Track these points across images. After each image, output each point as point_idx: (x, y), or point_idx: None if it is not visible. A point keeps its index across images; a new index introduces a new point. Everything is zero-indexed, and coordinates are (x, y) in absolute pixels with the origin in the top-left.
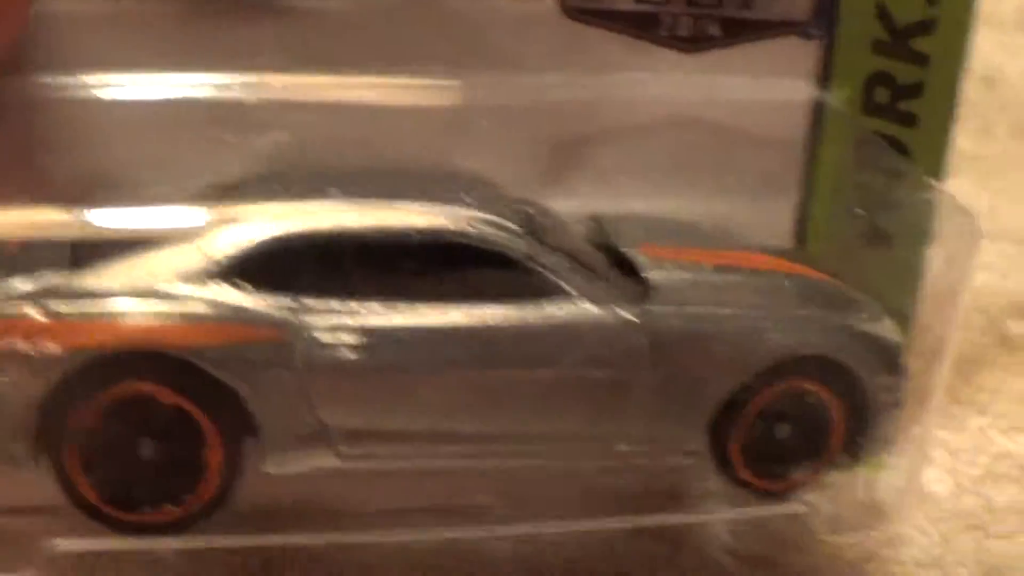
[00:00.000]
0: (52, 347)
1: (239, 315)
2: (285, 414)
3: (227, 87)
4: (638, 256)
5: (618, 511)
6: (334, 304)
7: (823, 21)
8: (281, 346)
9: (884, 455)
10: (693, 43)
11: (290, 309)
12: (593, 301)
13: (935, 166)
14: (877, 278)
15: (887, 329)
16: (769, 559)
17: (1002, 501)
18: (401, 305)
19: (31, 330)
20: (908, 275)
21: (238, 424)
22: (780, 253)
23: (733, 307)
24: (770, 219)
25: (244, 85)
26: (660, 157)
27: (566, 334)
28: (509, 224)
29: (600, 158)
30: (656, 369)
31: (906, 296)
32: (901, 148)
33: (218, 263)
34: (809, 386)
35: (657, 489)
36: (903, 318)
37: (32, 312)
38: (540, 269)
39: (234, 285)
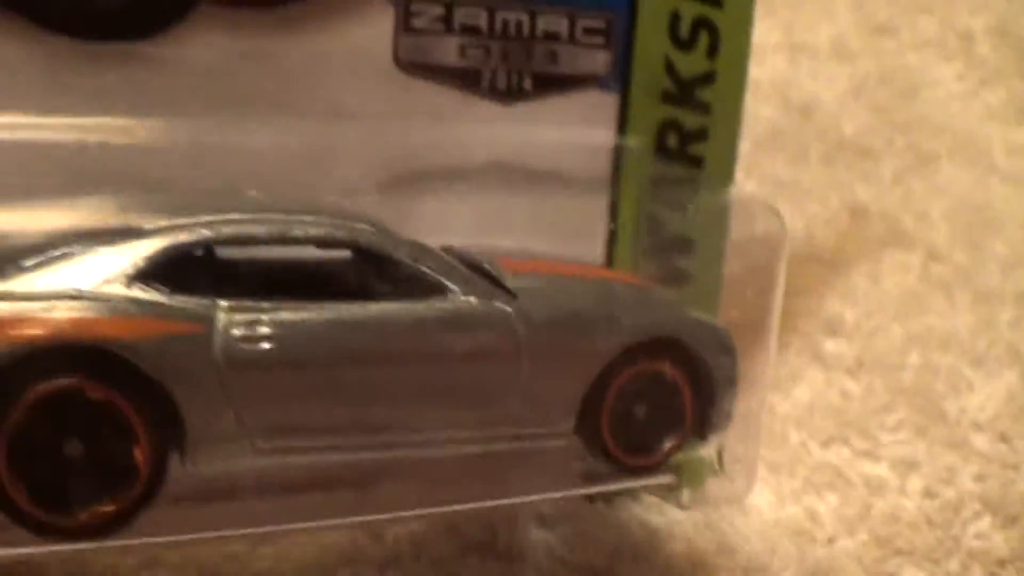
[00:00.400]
0: None
1: (160, 310)
2: (206, 409)
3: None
4: (498, 267)
5: (501, 493)
6: (246, 303)
7: (619, 75)
8: (200, 339)
9: (725, 431)
10: (509, 96)
11: (206, 305)
12: (471, 296)
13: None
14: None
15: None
16: (602, 569)
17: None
18: (307, 304)
19: None
20: (709, 283)
21: (164, 420)
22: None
23: (589, 299)
24: (582, 247)
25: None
26: (483, 198)
27: (455, 325)
28: (396, 234)
29: (428, 199)
30: (533, 357)
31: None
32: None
33: (136, 267)
34: (661, 367)
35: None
36: None
37: None
38: (426, 270)
39: (153, 287)
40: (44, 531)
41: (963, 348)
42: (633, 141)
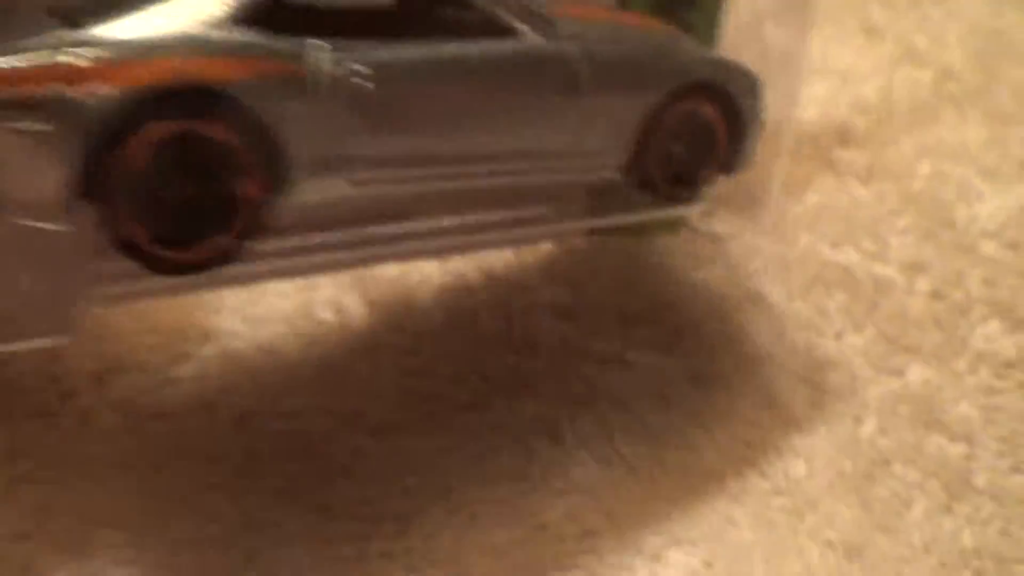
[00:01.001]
0: (100, 88)
1: (265, 51)
2: (308, 145)
3: None
4: (549, 12)
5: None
6: (342, 42)
7: None
8: (303, 78)
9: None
10: None
11: (308, 46)
12: (543, 37)
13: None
14: None
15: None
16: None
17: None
18: (398, 43)
19: (74, 74)
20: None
21: (272, 158)
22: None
23: (640, 42)
24: None
25: None
26: None
27: (533, 62)
28: None
29: None
30: (597, 94)
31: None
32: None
33: (233, 10)
34: (702, 107)
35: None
36: None
37: (71, 57)
38: (500, 12)
39: (257, 29)
40: (162, 267)
41: (974, 160)
42: None
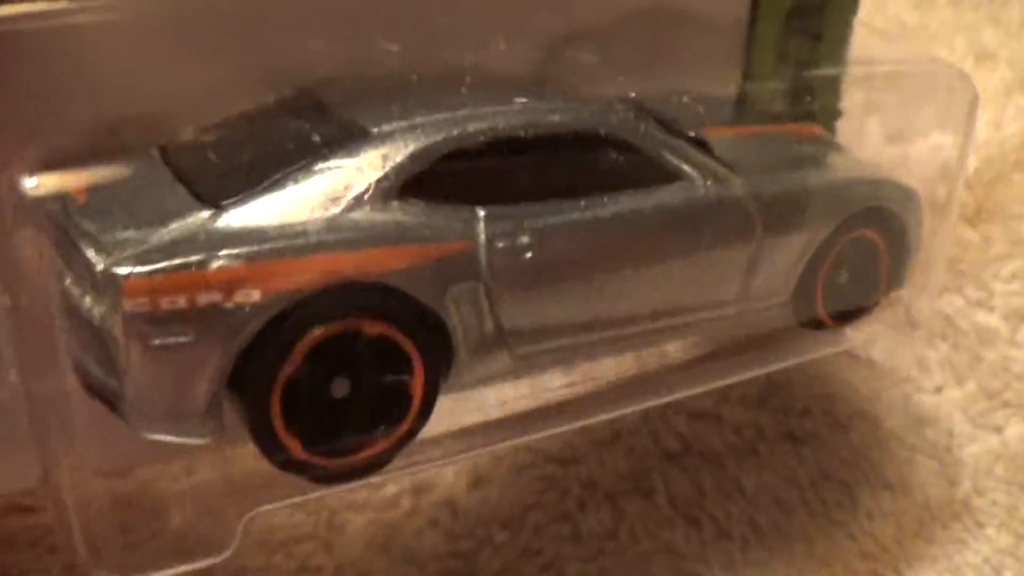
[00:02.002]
0: (252, 294)
1: (425, 232)
2: (475, 326)
3: None
4: (705, 136)
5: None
6: (503, 209)
7: None
8: (468, 256)
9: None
10: None
11: (465, 219)
12: (708, 180)
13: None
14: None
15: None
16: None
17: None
18: (559, 201)
19: (227, 281)
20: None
21: (438, 346)
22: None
23: (804, 169)
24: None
25: None
26: (625, 46)
27: (700, 213)
28: (629, 113)
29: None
30: (766, 235)
31: None
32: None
33: (387, 181)
34: (869, 233)
35: (752, 341)
36: None
37: (223, 261)
38: (663, 157)
39: (406, 203)
40: (319, 477)
41: None
42: None
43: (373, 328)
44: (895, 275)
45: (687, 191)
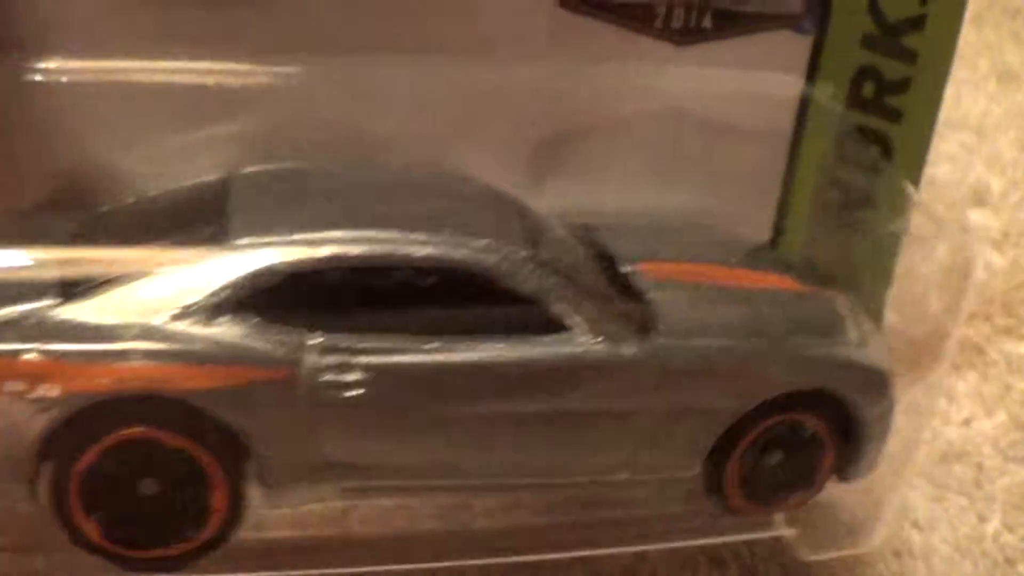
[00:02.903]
0: (52, 390)
1: (244, 355)
2: (288, 453)
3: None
4: (639, 278)
5: (612, 540)
6: (337, 341)
7: (815, 15)
8: (285, 385)
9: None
10: (685, 35)
11: (292, 346)
12: (598, 335)
13: (916, 159)
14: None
15: (876, 353)
16: None
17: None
18: (404, 340)
19: (29, 372)
20: (881, 271)
21: (242, 465)
22: (765, 254)
23: (735, 338)
24: (752, 207)
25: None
26: (650, 150)
27: (569, 371)
28: (517, 252)
29: (590, 150)
30: (659, 402)
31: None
32: (884, 142)
33: (220, 296)
34: (805, 417)
35: (648, 516)
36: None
37: (33, 355)
38: (546, 303)
39: (235, 320)
40: (117, 562)
41: None
42: (823, 89)
43: (173, 440)
44: (846, 468)
45: (563, 345)
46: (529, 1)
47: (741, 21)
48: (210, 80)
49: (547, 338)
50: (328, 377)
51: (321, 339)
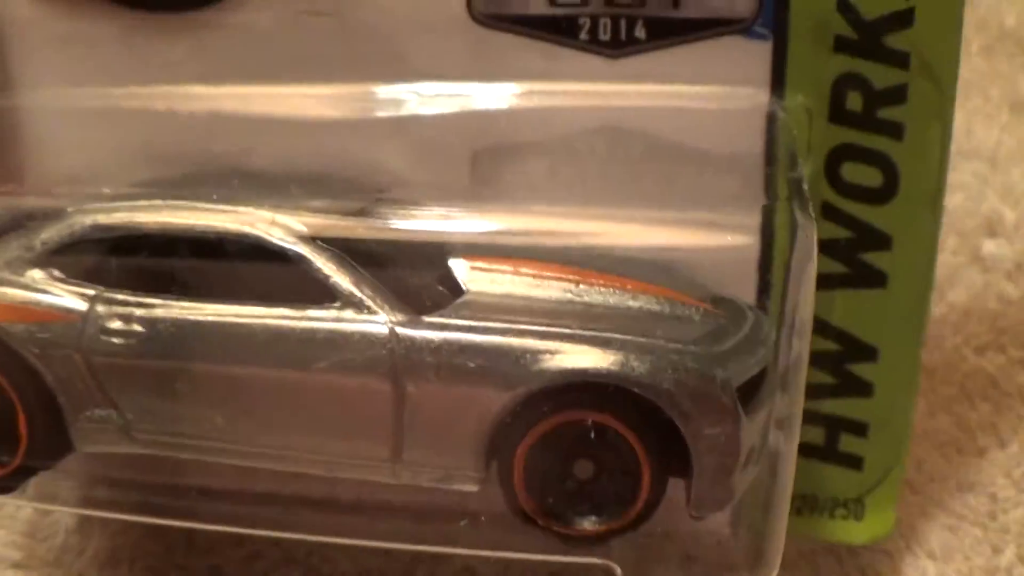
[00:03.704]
0: None
1: (40, 297)
2: (76, 393)
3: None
4: (461, 267)
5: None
6: (126, 296)
7: (769, 19)
8: (72, 328)
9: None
10: (616, 46)
11: (86, 296)
12: (351, 307)
13: (929, 186)
14: None
15: (743, 366)
16: None
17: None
18: (187, 301)
19: None
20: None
21: (39, 397)
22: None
23: (525, 321)
24: (720, 242)
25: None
26: (586, 176)
27: (318, 342)
28: (295, 226)
29: (519, 176)
30: (413, 384)
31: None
32: (885, 165)
33: (34, 250)
34: (601, 420)
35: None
36: None
37: None
38: (320, 273)
39: (47, 270)
40: None
41: None
42: (795, 101)
43: None
44: (690, 497)
45: (315, 314)
46: (442, 19)
47: (678, 29)
48: None
49: (306, 307)
50: (112, 324)
51: (107, 293)
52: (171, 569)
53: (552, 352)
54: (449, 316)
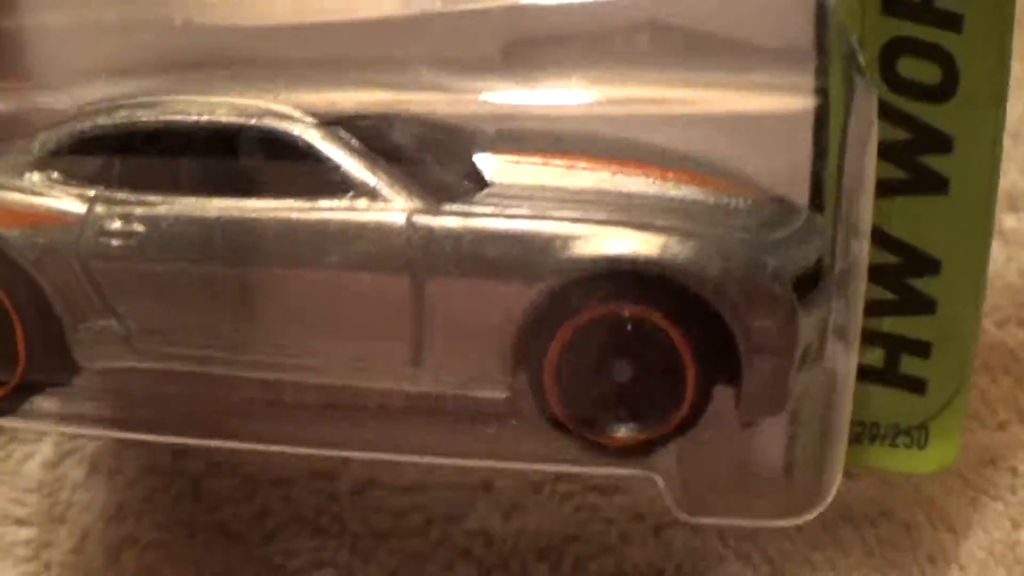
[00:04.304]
0: None
1: (31, 201)
2: (76, 301)
3: None
4: (487, 160)
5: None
6: (127, 195)
7: None
8: (70, 230)
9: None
10: None
11: (85, 198)
12: (372, 198)
13: (993, 86)
14: None
15: (797, 256)
16: None
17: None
18: (192, 198)
19: None
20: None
21: (37, 306)
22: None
23: (556, 209)
24: (770, 151)
25: None
26: (627, 76)
27: (330, 235)
28: (299, 115)
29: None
30: (431, 277)
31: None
32: (946, 59)
33: (33, 153)
34: (640, 314)
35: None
36: None
37: None
38: (335, 163)
39: (45, 172)
40: None
41: None
42: None
43: None
44: (739, 403)
45: (328, 205)
46: None
47: None
48: None
49: (319, 199)
50: (112, 225)
51: (107, 193)
52: (177, 525)
53: (584, 238)
54: (472, 204)
